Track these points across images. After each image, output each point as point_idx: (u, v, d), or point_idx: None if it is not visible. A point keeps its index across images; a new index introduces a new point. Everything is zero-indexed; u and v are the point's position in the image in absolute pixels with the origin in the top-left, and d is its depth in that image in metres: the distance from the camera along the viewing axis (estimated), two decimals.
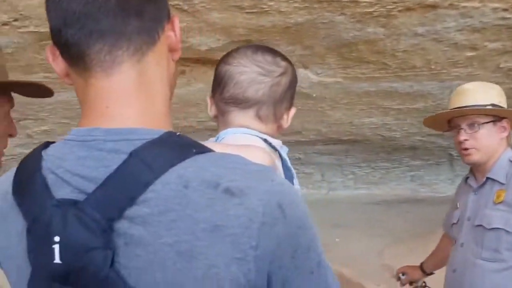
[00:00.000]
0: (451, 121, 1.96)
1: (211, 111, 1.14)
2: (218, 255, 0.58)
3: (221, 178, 0.60)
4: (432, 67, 3.83)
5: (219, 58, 3.90)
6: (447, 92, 4.42)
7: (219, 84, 1.09)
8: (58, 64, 0.69)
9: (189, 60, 3.82)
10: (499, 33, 3.31)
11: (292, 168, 1.09)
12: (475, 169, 1.93)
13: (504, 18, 3.14)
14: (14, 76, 3.98)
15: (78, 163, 0.63)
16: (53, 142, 0.69)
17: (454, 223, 1.97)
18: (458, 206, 1.99)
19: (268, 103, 1.08)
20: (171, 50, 0.73)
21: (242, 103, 1.07)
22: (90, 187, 0.61)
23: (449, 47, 3.51)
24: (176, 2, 2.82)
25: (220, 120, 1.11)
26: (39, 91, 1.41)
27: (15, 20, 2.88)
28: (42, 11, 2.62)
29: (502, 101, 1.81)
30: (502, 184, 1.79)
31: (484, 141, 1.84)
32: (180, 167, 0.60)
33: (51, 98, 1.57)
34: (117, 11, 0.64)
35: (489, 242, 1.76)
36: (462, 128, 1.87)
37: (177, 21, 0.74)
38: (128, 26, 0.64)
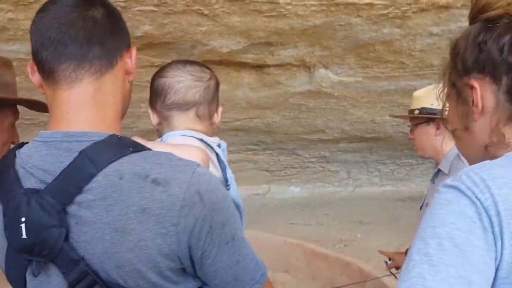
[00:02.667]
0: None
1: (154, 119, 1.30)
2: (146, 231, 0.75)
3: (150, 171, 0.77)
4: None
5: (241, 60, 4.03)
6: None
7: (159, 95, 1.27)
8: (35, 77, 0.86)
9: (211, 62, 3.97)
10: None
11: (225, 161, 1.28)
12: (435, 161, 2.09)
13: None
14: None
15: (41, 159, 0.80)
16: (27, 143, 0.87)
17: (420, 208, 2.13)
18: (425, 193, 2.16)
19: (204, 103, 1.27)
20: (127, 73, 0.90)
21: (183, 106, 1.25)
22: (49, 178, 0.78)
23: None
24: (197, 8, 2.97)
25: (164, 125, 1.29)
26: (44, 106, 1.62)
27: None
28: None
29: (435, 104, 1.92)
30: (446, 174, 1.96)
31: (420, 139, 2.06)
32: (117, 163, 0.77)
33: None
34: (83, 40, 0.81)
35: None
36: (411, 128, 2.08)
37: (135, 52, 0.91)
38: (90, 53, 0.82)
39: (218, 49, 3.57)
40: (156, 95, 1.28)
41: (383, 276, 3.09)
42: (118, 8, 3.05)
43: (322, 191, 8.76)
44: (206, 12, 3.03)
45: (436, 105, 1.95)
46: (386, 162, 8.12)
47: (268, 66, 4.07)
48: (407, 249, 2.33)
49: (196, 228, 0.77)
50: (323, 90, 4.55)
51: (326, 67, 4.18)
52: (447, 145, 1.98)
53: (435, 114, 1.98)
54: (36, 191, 0.78)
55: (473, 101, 0.79)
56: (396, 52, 3.71)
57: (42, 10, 0.85)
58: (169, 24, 3.13)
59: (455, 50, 0.83)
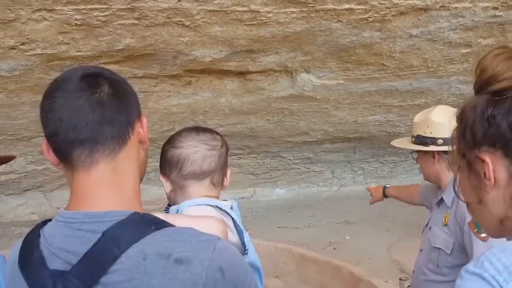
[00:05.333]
0: None
1: (167, 187, 1.33)
2: None
3: (173, 250, 0.79)
4: (429, 65, 3.94)
5: (223, 68, 4.02)
6: (446, 88, 4.53)
7: (174, 165, 1.29)
8: (51, 156, 0.88)
9: (194, 71, 3.96)
10: (491, 30, 3.42)
11: (241, 225, 1.31)
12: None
13: (494, 16, 3.25)
14: (25, 96, 4.11)
15: (64, 240, 0.82)
16: (50, 220, 0.88)
17: (424, 226, 2.08)
18: (431, 210, 2.13)
19: (218, 171, 1.31)
20: (141, 142, 0.91)
21: (200, 175, 1.29)
22: (74, 260, 0.79)
23: (444, 46, 3.62)
24: (178, 19, 2.96)
25: (178, 193, 1.32)
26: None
27: (22, 44, 3.02)
28: (48, 34, 2.78)
29: (427, 132, 1.91)
30: (449, 207, 1.91)
31: (422, 166, 2.02)
32: (140, 243, 0.79)
33: None
34: (94, 124, 0.83)
35: (433, 257, 1.91)
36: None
37: (145, 120, 0.92)
38: (103, 135, 0.84)
39: (201, 58, 3.56)
40: (171, 166, 1.30)
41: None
42: (99, 23, 3.03)
43: (307, 192, 8.79)
44: (187, 23, 3.02)
45: (429, 133, 1.92)
46: (370, 161, 8.20)
47: (251, 72, 4.08)
48: (386, 187, 2.42)
49: None
50: (306, 94, 4.58)
51: (307, 71, 4.20)
52: (446, 175, 1.94)
53: (427, 143, 1.94)
54: (61, 273, 0.79)
55: (485, 174, 0.79)
56: (376, 55, 3.75)
57: (47, 96, 0.86)
58: (151, 36, 3.12)
59: (462, 121, 0.83)
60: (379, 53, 3.71)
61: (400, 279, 2.51)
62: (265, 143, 6.52)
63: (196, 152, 1.28)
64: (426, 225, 2.08)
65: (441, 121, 1.93)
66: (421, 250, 2.05)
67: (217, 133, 1.36)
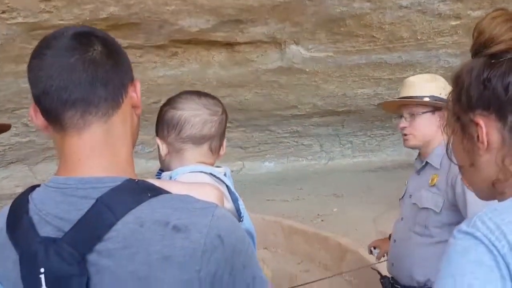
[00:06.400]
0: (399, 108, 2.06)
1: (163, 150, 1.28)
2: (170, 278, 0.75)
3: (170, 217, 0.76)
4: (419, 37, 3.91)
5: (210, 39, 3.95)
6: (435, 61, 4.50)
7: (174, 127, 1.25)
8: (39, 120, 0.83)
9: (180, 42, 3.89)
10: (480, 1, 3.38)
11: (236, 192, 1.28)
12: (420, 152, 2.05)
13: None
14: (7, 67, 4.03)
15: (56, 206, 0.78)
16: (38, 186, 0.84)
17: (400, 198, 2.11)
18: (406, 183, 2.15)
19: (217, 137, 1.28)
20: (134, 106, 0.87)
21: (199, 140, 1.25)
22: (66, 227, 0.76)
23: (433, 18, 3.58)
24: None
25: (174, 157, 1.27)
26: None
27: (3, 12, 2.94)
28: (29, 2, 2.69)
29: (443, 93, 1.89)
30: (436, 169, 1.92)
31: (421, 128, 1.97)
32: (137, 210, 0.76)
33: None
34: (87, 85, 0.79)
35: (420, 219, 1.91)
36: (404, 116, 2.00)
37: (139, 85, 0.87)
38: (96, 96, 0.80)
39: (187, 28, 3.49)
40: (170, 128, 1.25)
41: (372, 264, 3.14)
42: None
43: (296, 165, 8.83)
44: None
45: (444, 95, 1.90)
46: (358, 134, 8.22)
47: (239, 43, 4.01)
48: (390, 234, 2.35)
49: (219, 272, 0.77)
50: (295, 66, 4.53)
51: (297, 43, 4.15)
52: (436, 139, 1.95)
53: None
54: (53, 240, 0.76)
55: (478, 137, 0.79)
56: (366, 26, 3.70)
57: (37, 55, 0.81)
58: (135, 5, 3.04)
59: (458, 83, 0.82)
60: (369, 25, 3.67)
61: (373, 247, 2.48)
62: (254, 116, 6.48)
63: (197, 115, 1.24)
64: (403, 197, 2.10)
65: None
66: (402, 218, 2.06)
67: (218, 100, 1.31)
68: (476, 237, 0.68)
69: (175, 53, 4.08)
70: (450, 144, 0.86)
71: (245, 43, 4.01)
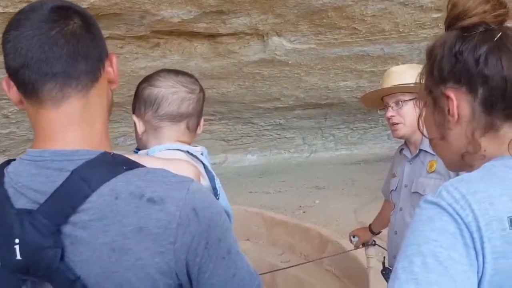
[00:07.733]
0: (383, 99, 2.06)
1: (140, 127, 1.27)
2: (144, 250, 0.75)
3: (145, 190, 0.77)
4: (400, 30, 3.93)
5: (192, 30, 3.91)
6: (416, 53, 4.54)
7: (151, 105, 1.24)
8: (13, 94, 0.83)
9: (162, 33, 3.86)
10: None
11: (212, 170, 1.29)
12: (408, 142, 2.04)
13: None
14: None
15: (31, 179, 0.78)
16: (14, 160, 0.84)
17: (393, 190, 2.10)
18: (396, 174, 2.13)
19: (195, 115, 1.27)
20: (110, 82, 0.87)
21: (176, 117, 1.24)
22: (41, 199, 0.76)
23: (415, 10, 3.61)
24: None
25: (151, 135, 1.27)
26: None
27: None
28: None
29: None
30: (433, 155, 1.87)
31: (409, 116, 1.93)
32: (112, 182, 0.76)
33: None
34: (68, 57, 0.78)
35: None
36: (390, 106, 2.00)
37: (115, 59, 0.88)
38: (77, 69, 0.80)
39: (169, 19, 3.46)
40: (147, 105, 1.24)
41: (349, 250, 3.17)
42: None
43: (278, 158, 8.86)
44: None
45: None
46: (340, 127, 8.28)
47: (221, 35, 3.99)
48: (370, 224, 2.35)
49: (193, 245, 0.78)
50: (277, 58, 4.53)
51: (279, 35, 4.14)
52: None
53: None
54: (28, 212, 0.75)
55: (449, 110, 0.79)
56: (348, 18, 3.71)
57: (14, 26, 0.79)
58: None
59: (431, 57, 0.83)
60: (351, 17, 3.68)
61: (353, 236, 2.51)
62: (237, 108, 6.48)
63: (174, 93, 1.23)
64: (396, 188, 2.08)
65: None
66: (400, 209, 2.03)
67: (196, 78, 1.31)
68: (440, 206, 0.69)
69: (157, 44, 4.05)
70: (422, 117, 0.86)
71: (228, 34, 3.99)
